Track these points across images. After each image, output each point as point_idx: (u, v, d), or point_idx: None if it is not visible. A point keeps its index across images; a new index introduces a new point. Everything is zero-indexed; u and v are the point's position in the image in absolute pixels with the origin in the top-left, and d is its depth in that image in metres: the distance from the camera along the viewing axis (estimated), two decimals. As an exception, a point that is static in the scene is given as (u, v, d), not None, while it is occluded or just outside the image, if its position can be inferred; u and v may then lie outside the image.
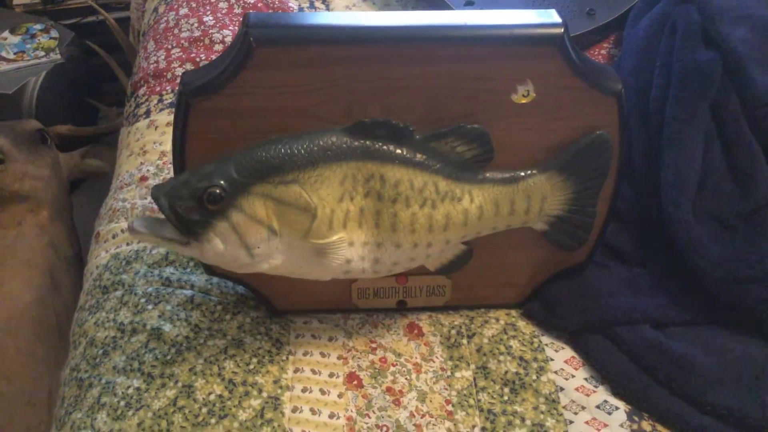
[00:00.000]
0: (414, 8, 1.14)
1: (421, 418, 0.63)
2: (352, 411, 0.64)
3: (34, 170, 1.21)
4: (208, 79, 0.59)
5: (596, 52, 1.01)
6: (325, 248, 0.57)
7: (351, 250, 0.58)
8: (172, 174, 0.77)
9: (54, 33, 1.56)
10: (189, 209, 0.54)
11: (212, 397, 0.63)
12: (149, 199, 0.82)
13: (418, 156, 0.58)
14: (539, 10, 0.61)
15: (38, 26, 1.58)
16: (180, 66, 0.99)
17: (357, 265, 0.60)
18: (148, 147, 0.90)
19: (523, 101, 0.61)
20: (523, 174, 0.62)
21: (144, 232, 0.54)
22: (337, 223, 0.57)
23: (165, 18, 1.10)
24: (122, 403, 0.63)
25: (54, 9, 1.71)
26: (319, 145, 0.56)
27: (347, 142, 0.57)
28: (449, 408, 0.64)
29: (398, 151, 0.57)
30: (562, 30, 0.59)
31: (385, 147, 0.57)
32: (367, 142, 0.57)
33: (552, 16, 0.60)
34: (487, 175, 0.61)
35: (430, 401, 0.65)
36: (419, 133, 0.58)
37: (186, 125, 0.60)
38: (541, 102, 0.61)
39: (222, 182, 0.54)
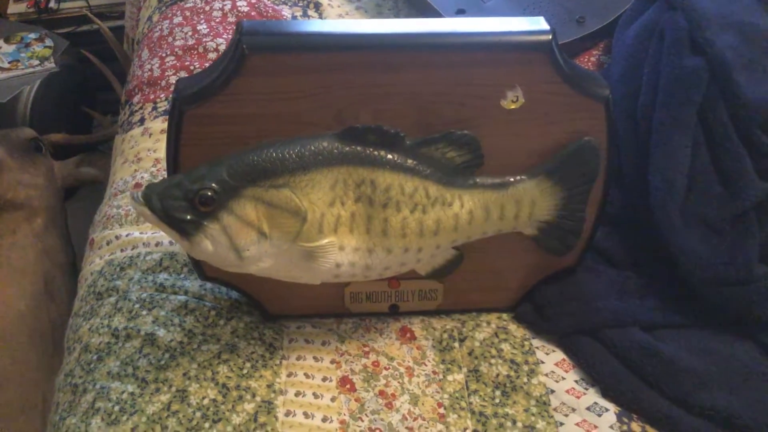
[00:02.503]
0: (405, 16, 1.15)
1: (414, 421, 0.64)
2: (345, 414, 0.64)
3: (29, 179, 1.21)
4: (201, 86, 0.60)
5: (586, 59, 1.02)
6: (315, 251, 0.58)
7: (341, 254, 0.59)
8: (166, 181, 0.78)
9: (48, 42, 1.56)
10: (180, 210, 0.55)
11: (206, 401, 0.64)
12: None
13: (409, 161, 0.59)
14: (528, 18, 0.62)
15: (33, 35, 1.58)
16: (174, 74, 1.00)
17: (347, 269, 0.60)
18: (143, 154, 0.90)
19: (513, 107, 0.62)
20: (512, 180, 0.63)
21: (144, 207, 0.55)
22: (327, 227, 0.58)
23: (159, 26, 1.11)
24: (116, 408, 0.64)
25: (48, 18, 1.71)
26: (310, 149, 0.57)
27: (338, 148, 0.57)
28: (441, 411, 0.65)
29: (389, 156, 0.58)
30: (550, 37, 0.60)
31: (375, 152, 0.58)
32: (358, 148, 0.58)
33: (540, 23, 0.61)
34: (477, 180, 0.62)
35: (422, 404, 0.65)
36: (410, 139, 0.59)
37: (180, 132, 0.61)
38: (530, 108, 0.62)
39: (214, 185, 0.55)
